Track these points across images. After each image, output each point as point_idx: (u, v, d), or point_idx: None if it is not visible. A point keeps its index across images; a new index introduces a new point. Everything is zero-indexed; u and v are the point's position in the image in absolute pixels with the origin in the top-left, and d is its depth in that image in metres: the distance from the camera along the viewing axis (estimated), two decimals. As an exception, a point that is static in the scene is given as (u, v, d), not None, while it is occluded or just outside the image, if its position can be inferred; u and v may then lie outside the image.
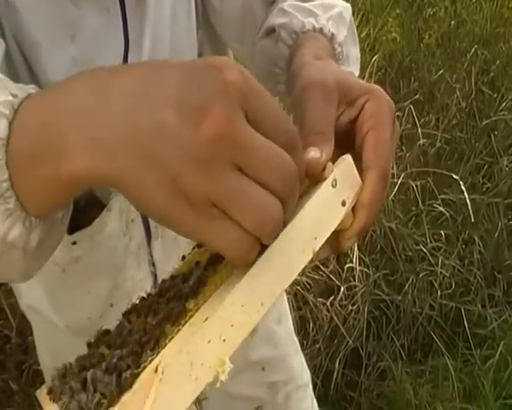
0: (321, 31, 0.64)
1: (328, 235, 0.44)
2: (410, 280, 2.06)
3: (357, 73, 0.73)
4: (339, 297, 1.93)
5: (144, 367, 0.38)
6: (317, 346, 1.87)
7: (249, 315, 0.39)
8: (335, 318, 1.89)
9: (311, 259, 0.43)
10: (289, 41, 0.66)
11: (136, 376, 0.38)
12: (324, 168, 0.44)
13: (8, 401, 1.71)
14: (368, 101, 0.49)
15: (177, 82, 0.35)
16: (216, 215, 0.35)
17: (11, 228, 0.40)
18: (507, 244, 2.27)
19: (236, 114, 0.35)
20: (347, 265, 1.98)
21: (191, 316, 0.41)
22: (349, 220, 0.47)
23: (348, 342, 1.90)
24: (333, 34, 0.65)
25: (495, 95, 2.76)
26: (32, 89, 0.42)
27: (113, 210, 0.72)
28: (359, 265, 1.99)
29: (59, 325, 0.85)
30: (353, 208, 0.47)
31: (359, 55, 0.74)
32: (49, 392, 0.43)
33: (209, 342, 0.37)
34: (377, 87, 0.50)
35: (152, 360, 0.38)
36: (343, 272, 1.98)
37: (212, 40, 0.80)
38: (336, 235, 0.46)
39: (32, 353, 0.98)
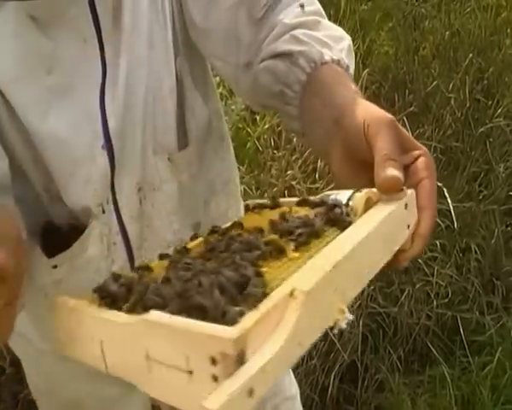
0: (338, 62, 0.69)
1: (397, 248, 0.51)
2: (407, 291, 2.07)
3: None
4: (333, 312, 1.94)
5: (271, 288, 0.40)
6: (313, 362, 1.89)
7: (356, 282, 0.46)
8: (330, 333, 1.90)
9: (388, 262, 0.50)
10: (308, 69, 0.69)
11: (264, 295, 0.39)
12: (402, 189, 0.52)
13: (5, 431, 1.71)
14: (422, 155, 0.58)
15: None
16: None
17: None
18: (504, 251, 2.27)
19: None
20: (342, 280, 1.99)
21: (303, 261, 0.44)
22: (407, 244, 0.54)
23: (344, 356, 1.91)
24: (347, 66, 0.70)
25: (490, 102, 2.76)
26: None
27: (93, 234, 0.74)
28: (354, 279, 2.00)
29: (46, 350, 0.87)
30: (412, 236, 0.54)
31: None
32: (102, 295, 0.48)
33: (335, 290, 0.42)
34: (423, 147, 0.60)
35: (277, 285, 0.40)
36: (338, 287, 1.99)
37: (193, 67, 0.81)
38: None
39: (26, 382, 1.02)
